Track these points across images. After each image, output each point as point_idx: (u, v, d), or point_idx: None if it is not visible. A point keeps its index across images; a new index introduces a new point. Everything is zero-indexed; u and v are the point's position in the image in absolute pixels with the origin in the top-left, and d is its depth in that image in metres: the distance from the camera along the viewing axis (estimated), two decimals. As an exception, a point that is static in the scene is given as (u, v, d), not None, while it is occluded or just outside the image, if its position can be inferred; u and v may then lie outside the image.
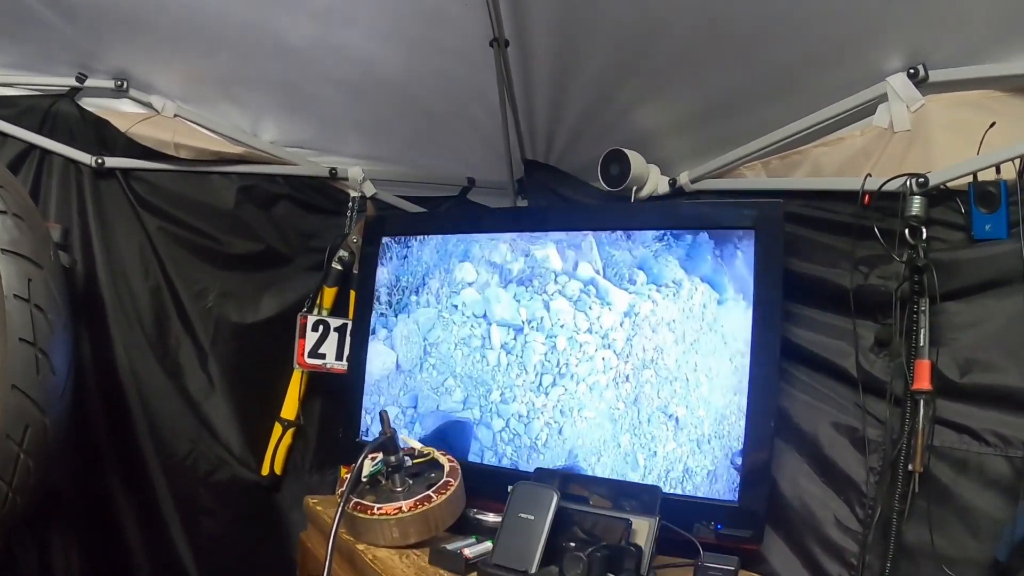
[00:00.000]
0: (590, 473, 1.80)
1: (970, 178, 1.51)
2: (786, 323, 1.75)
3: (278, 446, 2.44)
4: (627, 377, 1.80)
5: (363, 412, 2.22)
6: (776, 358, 1.67)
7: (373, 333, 2.23)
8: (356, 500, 1.66)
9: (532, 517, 1.45)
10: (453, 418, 2.04)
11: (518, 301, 1.98)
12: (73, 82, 2.22)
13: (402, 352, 2.17)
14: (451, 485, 1.69)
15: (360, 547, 1.64)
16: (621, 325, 1.82)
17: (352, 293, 2.45)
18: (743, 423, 1.66)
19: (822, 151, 1.84)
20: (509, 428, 1.94)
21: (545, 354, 1.91)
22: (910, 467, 1.51)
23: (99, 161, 2.27)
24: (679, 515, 1.59)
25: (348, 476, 1.66)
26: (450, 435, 2.03)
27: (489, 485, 1.78)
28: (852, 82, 1.71)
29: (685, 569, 1.55)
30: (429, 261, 2.16)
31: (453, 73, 2.10)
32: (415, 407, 2.12)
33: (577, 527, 1.50)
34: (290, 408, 2.47)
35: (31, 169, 2.23)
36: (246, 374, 2.45)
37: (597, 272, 1.88)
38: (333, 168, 2.55)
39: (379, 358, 2.21)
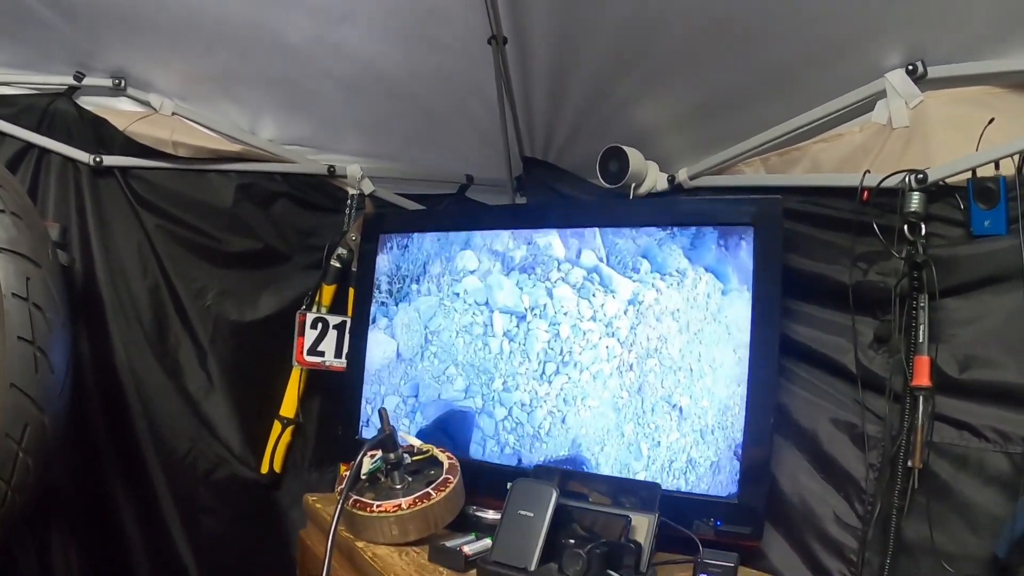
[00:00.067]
0: (593, 462, 1.80)
1: (969, 174, 1.51)
2: (785, 320, 1.75)
3: (277, 444, 2.44)
4: (631, 366, 1.79)
5: (363, 402, 2.21)
6: (775, 355, 1.67)
7: (373, 322, 2.22)
8: (355, 498, 1.66)
9: (531, 514, 1.44)
10: (455, 407, 2.03)
11: (521, 288, 1.97)
12: (71, 81, 2.22)
13: (403, 341, 2.16)
14: (450, 482, 1.68)
15: (359, 544, 1.64)
16: (625, 313, 1.82)
17: (351, 291, 2.44)
18: (746, 414, 1.66)
19: (821, 147, 1.83)
20: (512, 417, 1.93)
21: (548, 342, 1.90)
22: (909, 463, 1.52)
23: (97, 160, 2.27)
24: (678, 511, 1.59)
25: (347, 474, 1.66)
26: (452, 425, 2.02)
27: (488, 482, 1.78)
28: (851, 78, 1.71)
29: (685, 566, 1.55)
30: (430, 249, 2.15)
31: (452, 70, 2.10)
32: (416, 396, 2.11)
33: (576, 524, 1.50)
34: (289, 406, 2.47)
35: (29, 168, 2.23)
36: (245, 372, 2.46)
37: (601, 260, 1.87)
38: (331, 166, 2.55)
39: (379, 347, 2.20)
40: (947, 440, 1.50)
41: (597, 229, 1.90)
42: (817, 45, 1.69)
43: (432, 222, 2.31)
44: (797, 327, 1.78)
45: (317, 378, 2.50)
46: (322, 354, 2.43)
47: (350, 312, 2.41)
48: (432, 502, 1.63)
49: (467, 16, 1.85)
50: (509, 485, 1.52)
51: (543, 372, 1.90)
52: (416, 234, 2.19)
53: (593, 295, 1.86)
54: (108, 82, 2.24)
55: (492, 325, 2.00)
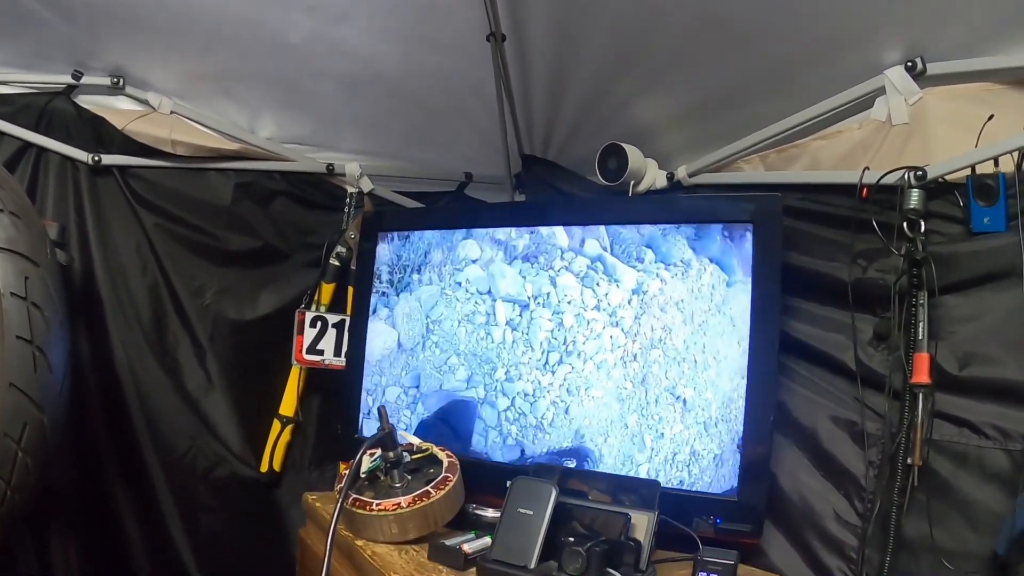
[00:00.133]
0: (597, 453, 1.80)
1: (968, 171, 1.51)
2: (785, 317, 1.75)
3: (277, 442, 2.44)
4: (635, 356, 1.79)
5: (363, 394, 2.21)
6: (775, 352, 1.67)
7: (374, 312, 2.21)
8: (355, 496, 1.66)
9: (531, 512, 1.44)
10: (457, 397, 2.02)
11: (524, 277, 1.96)
12: (69, 79, 2.22)
13: (404, 330, 2.15)
14: (450, 481, 1.68)
15: (359, 543, 1.64)
16: (629, 303, 1.81)
17: (350, 289, 2.44)
18: (746, 413, 1.66)
19: (820, 145, 1.83)
20: (515, 407, 1.93)
21: (552, 331, 1.89)
22: (909, 461, 1.51)
23: (96, 159, 2.27)
24: (678, 509, 1.59)
25: (347, 472, 1.66)
26: (453, 415, 2.01)
27: (488, 480, 1.78)
28: (850, 75, 1.71)
29: (684, 564, 1.55)
30: (432, 239, 2.14)
31: (450, 68, 2.10)
32: (417, 387, 2.10)
33: (576, 522, 1.50)
34: (289, 404, 2.46)
35: (28, 167, 2.23)
36: (244, 371, 2.45)
37: (604, 249, 1.87)
38: (330, 164, 2.54)
39: (380, 337, 2.19)
40: (947, 437, 1.50)
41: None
42: (816, 42, 1.69)
43: (431, 220, 2.31)
44: (797, 324, 1.78)
45: (316, 376, 2.49)
46: (321, 352, 2.43)
47: (349, 310, 2.41)
48: (431, 500, 1.63)
49: (466, 13, 1.85)
50: (509, 483, 1.52)
51: (546, 362, 1.89)
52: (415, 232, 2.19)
53: (597, 284, 1.86)
54: (106, 81, 2.23)
55: (495, 314, 1.99)
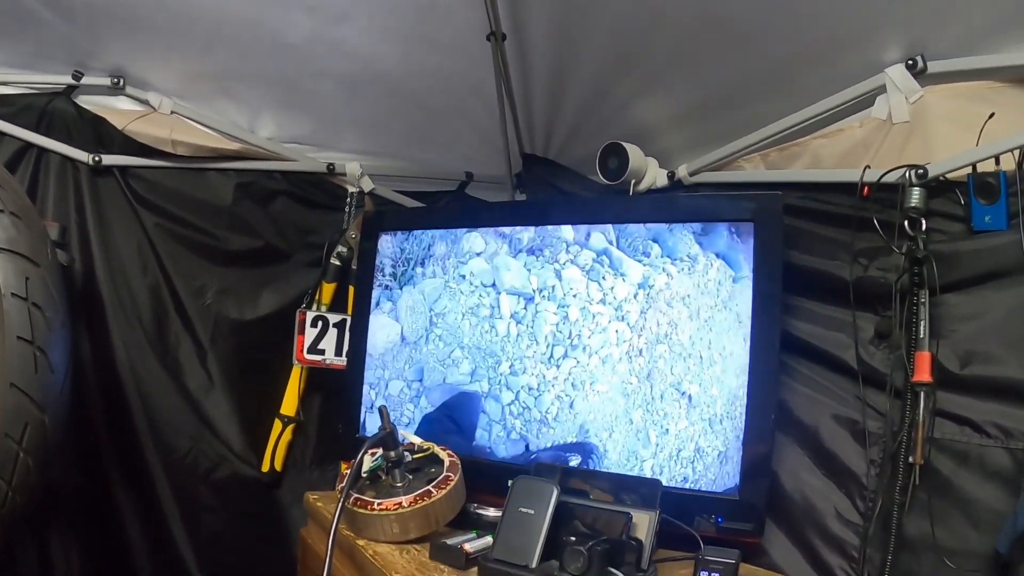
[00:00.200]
0: (601, 449, 1.79)
1: (969, 169, 1.51)
2: (786, 316, 1.75)
3: (278, 442, 2.44)
4: (640, 351, 1.78)
5: (366, 388, 2.20)
6: (776, 351, 1.67)
7: (376, 305, 2.21)
8: (356, 496, 1.66)
9: (532, 511, 1.44)
10: (460, 391, 2.02)
11: (528, 270, 1.95)
12: (70, 80, 2.22)
13: (407, 324, 2.14)
14: (451, 480, 1.68)
15: (360, 543, 1.64)
16: (635, 297, 1.80)
17: (351, 288, 2.44)
18: (747, 411, 1.66)
19: (821, 143, 1.83)
20: (519, 401, 1.92)
21: (557, 325, 1.89)
22: (911, 459, 1.51)
23: (96, 159, 2.27)
24: (680, 508, 1.59)
25: (348, 472, 1.66)
26: (457, 409, 2.01)
27: (489, 479, 1.78)
28: (851, 74, 1.71)
29: (686, 563, 1.54)
30: (435, 232, 2.14)
31: (450, 67, 2.10)
32: (421, 380, 2.09)
33: (578, 521, 1.50)
34: (290, 404, 2.47)
35: (28, 167, 2.23)
36: (245, 371, 2.45)
37: (610, 243, 1.86)
38: (331, 164, 2.54)
39: (383, 331, 2.18)
40: (948, 436, 1.50)
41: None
42: (817, 41, 1.68)
43: (432, 219, 2.31)
44: (798, 323, 1.78)
45: (317, 376, 2.49)
46: (322, 352, 2.43)
47: (350, 310, 2.41)
48: (433, 500, 1.63)
49: (466, 13, 1.85)
50: (510, 482, 1.52)
51: (551, 355, 1.89)
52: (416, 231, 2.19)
53: (603, 278, 1.85)
54: (107, 81, 2.23)
55: (499, 307, 1.98)
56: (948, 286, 1.54)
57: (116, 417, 2.28)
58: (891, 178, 1.60)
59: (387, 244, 2.22)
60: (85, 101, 2.29)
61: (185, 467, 2.35)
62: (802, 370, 1.77)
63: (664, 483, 1.61)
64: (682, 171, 2.14)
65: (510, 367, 1.94)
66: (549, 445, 1.86)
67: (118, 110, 2.31)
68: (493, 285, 2.00)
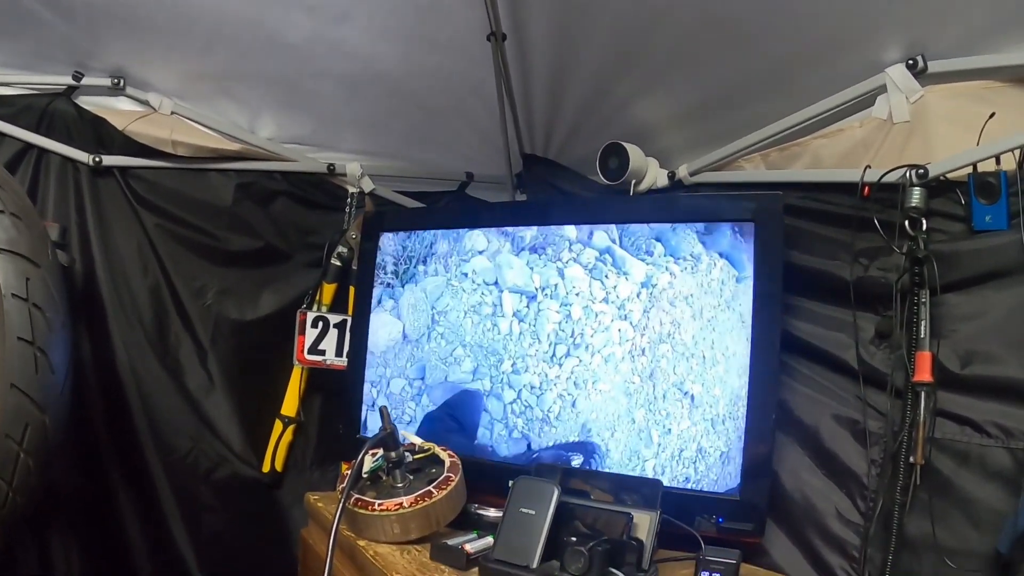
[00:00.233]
0: (603, 448, 1.79)
1: (970, 169, 1.51)
2: (786, 316, 1.75)
3: (279, 443, 2.44)
4: (643, 350, 1.78)
5: (367, 386, 2.20)
6: (776, 351, 1.66)
7: (379, 303, 2.20)
8: (357, 496, 1.66)
9: (533, 512, 1.44)
10: (462, 389, 2.01)
11: (531, 268, 1.95)
12: (70, 80, 2.21)
13: (409, 321, 2.14)
14: (452, 480, 1.68)
15: (361, 543, 1.64)
16: (638, 296, 1.80)
17: (351, 289, 2.44)
18: (747, 411, 1.66)
19: (821, 143, 1.83)
20: (521, 400, 1.92)
21: (559, 323, 1.88)
22: (911, 459, 1.51)
23: (97, 159, 2.27)
24: (680, 508, 1.59)
25: (349, 472, 1.66)
26: (459, 408, 2.01)
27: (490, 480, 1.78)
28: (851, 74, 1.71)
29: (687, 563, 1.55)
30: (437, 231, 2.14)
31: (450, 67, 2.09)
32: (422, 378, 2.09)
33: (578, 521, 1.50)
34: (290, 405, 2.47)
35: (28, 168, 2.23)
36: (246, 371, 2.45)
37: (613, 241, 1.86)
38: (331, 164, 2.54)
39: (384, 328, 2.18)
40: (949, 436, 1.50)
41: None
42: (817, 41, 1.68)
43: (432, 219, 2.31)
44: (798, 323, 1.78)
45: (318, 377, 2.49)
46: (323, 352, 2.43)
47: (351, 310, 2.41)
48: (434, 500, 1.63)
49: (466, 13, 1.85)
50: (511, 483, 1.52)
51: (553, 354, 1.89)
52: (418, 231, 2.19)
53: (606, 276, 1.85)
54: (107, 82, 2.23)
55: (501, 305, 1.97)
56: (949, 286, 1.54)
57: (116, 417, 2.28)
58: (892, 178, 1.60)
59: (389, 242, 2.22)
60: (85, 102, 2.29)
61: (185, 467, 2.34)
62: (803, 370, 1.77)
63: (666, 483, 1.61)
64: (682, 171, 2.14)
65: (512, 365, 1.94)
66: (551, 444, 1.86)
67: (118, 111, 2.31)
68: (495, 283, 2.00)
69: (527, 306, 1.94)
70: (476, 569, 1.47)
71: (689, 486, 1.70)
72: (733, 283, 1.71)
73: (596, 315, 1.84)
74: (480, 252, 2.04)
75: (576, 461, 1.82)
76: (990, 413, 1.45)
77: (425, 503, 1.62)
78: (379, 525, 1.63)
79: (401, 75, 2.14)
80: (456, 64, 2.07)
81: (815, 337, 1.75)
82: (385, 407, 1.73)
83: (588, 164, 2.24)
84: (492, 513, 1.74)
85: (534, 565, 1.38)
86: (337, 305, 2.49)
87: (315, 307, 2.47)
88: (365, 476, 1.71)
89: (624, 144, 2.10)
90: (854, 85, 1.71)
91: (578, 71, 2.03)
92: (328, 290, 2.49)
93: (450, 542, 1.55)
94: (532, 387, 1.90)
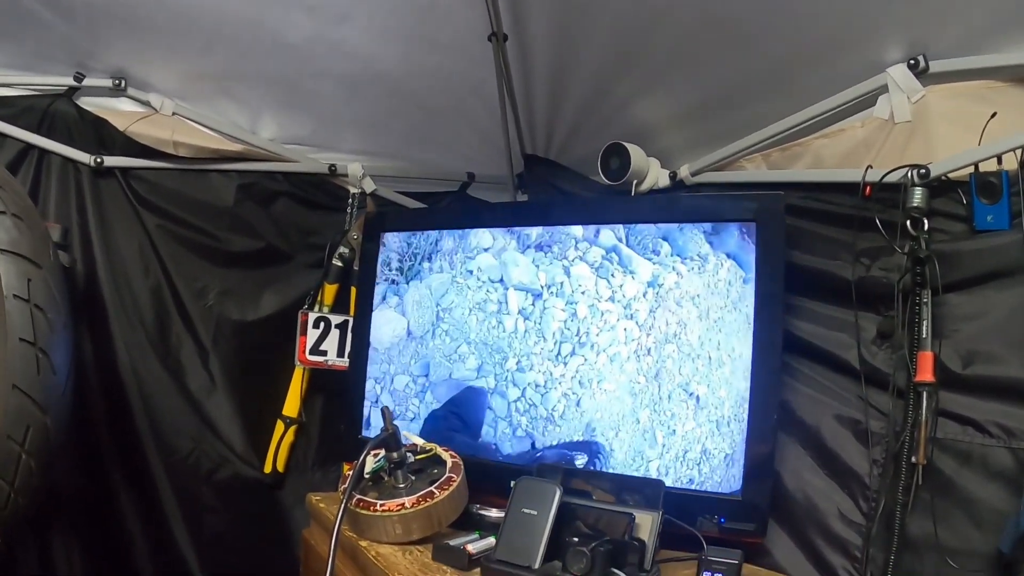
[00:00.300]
0: (608, 448, 1.79)
1: (971, 169, 1.51)
2: (788, 316, 1.75)
3: (280, 443, 2.44)
4: (649, 350, 1.78)
5: (371, 382, 2.20)
6: (778, 350, 1.66)
7: (383, 300, 2.20)
8: (359, 497, 1.66)
9: (535, 512, 1.44)
10: (467, 386, 2.01)
11: (537, 266, 1.94)
12: (71, 81, 2.22)
13: (413, 318, 2.13)
14: (453, 481, 1.68)
15: (363, 544, 1.64)
16: (644, 296, 1.80)
17: (353, 290, 2.44)
18: (749, 411, 1.66)
19: (823, 143, 1.83)
20: (525, 398, 1.91)
21: (565, 321, 1.88)
22: (913, 459, 1.51)
23: (98, 160, 2.27)
24: (682, 509, 1.59)
25: (351, 473, 1.66)
26: (463, 405, 2.01)
27: (492, 480, 1.77)
28: (852, 74, 1.71)
29: (689, 563, 1.55)
30: (442, 228, 2.14)
31: (451, 68, 2.09)
32: (426, 375, 2.09)
33: (580, 522, 1.50)
34: (292, 405, 2.47)
35: (30, 169, 2.23)
36: (247, 372, 2.45)
37: (620, 240, 1.85)
38: (332, 165, 2.55)
39: (389, 325, 2.18)
40: (951, 436, 1.50)
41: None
42: (818, 40, 1.68)
43: (433, 220, 2.31)
44: (800, 323, 1.78)
45: (320, 377, 2.50)
46: (324, 353, 2.43)
47: (352, 311, 2.41)
48: (435, 501, 1.63)
49: (466, 13, 1.85)
50: (513, 483, 1.52)
51: (559, 352, 1.88)
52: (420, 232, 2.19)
53: (612, 275, 1.84)
54: (108, 82, 2.23)
55: (507, 302, 1.97)
56: (950, 286, 1.54)
57: (118, 418, 2.29)
58: (893, 178, 1.60)
59: (393, 239, 2.22)
60: (86, 103, 2.29)
61: (187, 468, 2.35)
62: (804, 370, 1.77)
63: (669, 484, 1.61)
64: (684, 171, 2.14)
65: (517, 363, 1.93)
66: (555, 443, 1.86)
67: (120, 111, 2.31)
68: (501, 281, 1.99)
69: (532, 304, 1.93)
70: (478, 569, 1.47)
71: (693, 487, 1.69)
72: (740, 284, 1.71)
73: (602, 314, 1.84)
74: (485, 249, 2.03)
75: (580, 461, 1.82)
76: (992, 413, 1.45)
77: (427, 504, 1.62)
78: (381, 526, 1.63)
79: (401, 75, 2.14)
80: (456, 64, 2.07)
81: (817, 337, 1.75)
82: (387, 408, 1.73)
83: (589, 164, 2.24)
84: (494, 513, 1.74)
85: (536, 565, 1.38)
86: (338, 306, 2.50)
87: (316, 308, 2.47)
88: (367, 477, 1.71)
89: (625, 144, 2.10)
90: (855, 85, 1.71)
91: (579, 71, 2.03)
92: (329, 291, 2.49)
93: (452, 542, 1.55)
94: (537, 385, 1.90)
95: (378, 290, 2.22)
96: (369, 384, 2.21)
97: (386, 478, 1.71)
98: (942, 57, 1.58)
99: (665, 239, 1.80)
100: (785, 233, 1.71)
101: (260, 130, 2.45)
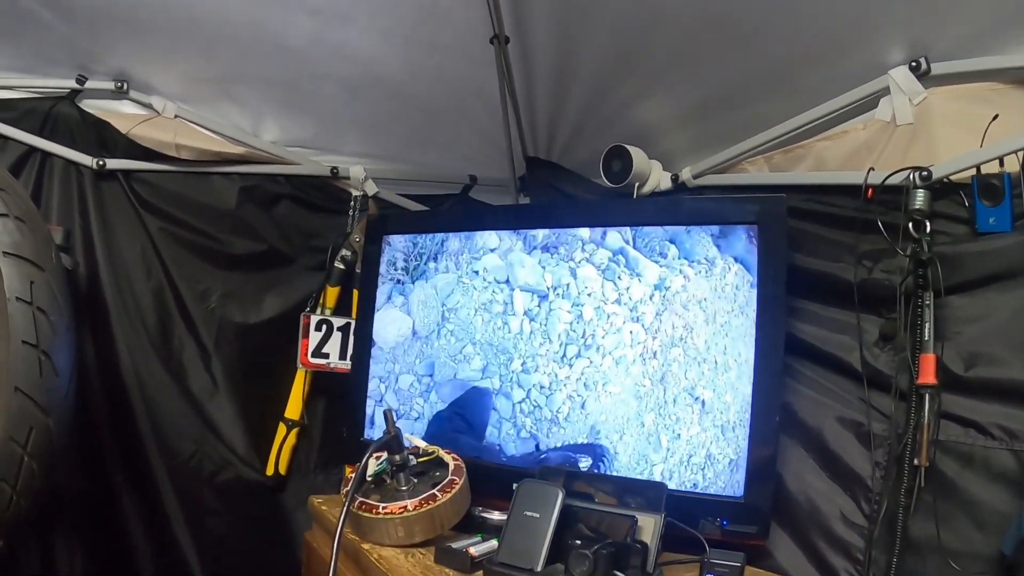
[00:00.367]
0: (612, 451, 1.79)
1: (973, 171, 1.51)
2: (790, 318, 1.75)
3: (282, 446, 2.44)
4: (655, 353, 1.77)
5: (376, 381, 2.20)
6: (780, 353, 1.66)
7: (388, 299, 2.20)
8: (361, 499, 1.66)
9: (537, 515, 1.44)
10: (471, 386, 2.01)
11: (543, 267, 1.94)
12: (73, 84, 2.22)
13: (419, 318, 2.13)
14: (456, 483, 1.68)
15: (365, 546, 1.64)
16: (651, 299, 1.79)
17: (355, 292, 2.44)
18: (752, 413, 1.65)
19: (825, 145, 1.83)
20: (530, 399, 1.91)
21: (571, 323, 1.87)
22: (916, 461, 1.51)
23: (100, 163, 2.27)
24: (685, 511, 1.58)
25: (353, 475, 1.66)
26: (467, 406, 2.00)
27: (494, 483, 1.77)
28: (854, 76, 1.71)
29: (691, 566, 1.54)
30: (445, 231, 2.14)
31: (453, 70, 2.10)
32: (431, 375, 2.09)
33: (582, 524, 1.49)
34: (294, 408, 2.47)
35: (32, 172, 2.23)
36: (250, 374, 2.45)
37: (627, 242, 1.84)
38: (334, 167, 2.55)
39: (394, 324, 2.17)
40: (953, 438, 1.49)
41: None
42: (819, 42, 1.68)
43: (435, 223, 2.30)
44: (802, 325, 1.78)
45: (322, 380, 2.49)
46: (326, 356, 2.43)
47: (354, 314, 2.41)
48: (438, 503, 1.63)
49: (468, 16, 1.85)
50: (515, 486, 1.52)
51: (564, 354, 1.88)
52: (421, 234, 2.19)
53: (619, 277, 1.84)
54: (110, 85, 2.24)
55: (512, 303, 1.96)
56: (953, 288, 1.54)
57: (120, 421, 2.29)
58: (895, 180, 1.60)
59: (398, 239, 2.22)
60: (89, 105, 2.29)
61: (189, 471, 2.34)
62: (806, 372, 1.77)
63: (673, 488, 1.61)
64: (686, 174, 2.14)
65: (522, 364, 1.93)
66: (559, 445, 1.85)
67: (122, 114, 2.31)
68: (507, 281, 1.99)
69: (538, 305, 1.93)
70: (480, 572, 1.47)
71: (697, 491, 1.69)
72: (747, 288, 1.70)
73: (608, 316, 1.83)
74: (492, 250, 2.03)
75: (584, 463, 1.81)
76: (994, 415, 1.45)
77: (429, 506, 1.62)
78: (383, 528, 1.63)
79: (403, 78, 2.14)
80: (458, 66, 2.07)
81: (819, 339, 1.75)
82: (389, 410, 1.73)
83: (591, 167, 2.24)
84: (496, 516, 1.74)
85: (538, 568, 1.38)
86: (341, 308, 2.50)
87: (319, 310, 2.47)
88: (369, 479, 1.71)
89: (627, 147, 2.10)
90: (857, 87, 1.71)
91: (580, 73, 2.03)
92: (332, 293, 2.49)
93: (454, 545, 1.55)
94: (541, 387, 1.89)
95: (383, 290, 2.22)
96: (373, 383, 2.20)
97: (388, 481, 1.71)
98: (944, 59, 1.58)
99: (672, 242, 1.79)
100: (787, 236, 1.70)
101: (262, 132, 2.45)
